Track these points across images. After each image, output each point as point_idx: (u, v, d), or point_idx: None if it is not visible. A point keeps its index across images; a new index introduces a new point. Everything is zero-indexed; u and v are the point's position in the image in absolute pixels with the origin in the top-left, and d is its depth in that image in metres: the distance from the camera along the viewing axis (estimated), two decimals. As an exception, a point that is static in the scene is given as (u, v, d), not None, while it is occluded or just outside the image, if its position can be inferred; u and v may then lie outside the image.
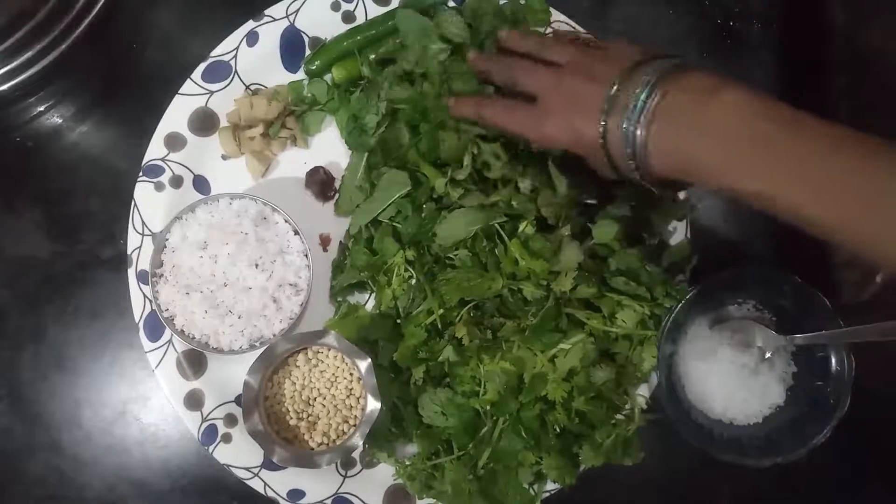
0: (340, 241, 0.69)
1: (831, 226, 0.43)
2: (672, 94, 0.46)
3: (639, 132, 0.47)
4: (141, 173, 0.67)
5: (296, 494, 0.65)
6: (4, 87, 0.66)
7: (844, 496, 0.69)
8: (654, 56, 0.50)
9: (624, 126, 0.48)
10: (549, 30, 0.69)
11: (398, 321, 0.65)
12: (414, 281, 0.64)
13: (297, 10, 0.69)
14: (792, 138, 0.43)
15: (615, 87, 0.48)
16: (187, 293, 0.63)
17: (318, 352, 0.65)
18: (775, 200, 0.44)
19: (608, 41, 0.56)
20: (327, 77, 0.69)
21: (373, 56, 0.68)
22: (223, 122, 0.69)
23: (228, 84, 0.68)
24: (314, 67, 0.68)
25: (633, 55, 0.50)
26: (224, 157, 0.69)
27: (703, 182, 0.47)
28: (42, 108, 0.71)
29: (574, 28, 0.71)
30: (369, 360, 0.61)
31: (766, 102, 0.45)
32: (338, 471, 0.66)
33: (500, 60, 0.60)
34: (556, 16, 0.70)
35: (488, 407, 0.62)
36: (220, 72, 0.68)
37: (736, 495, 0.69)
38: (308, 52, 0.70)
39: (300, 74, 0.70)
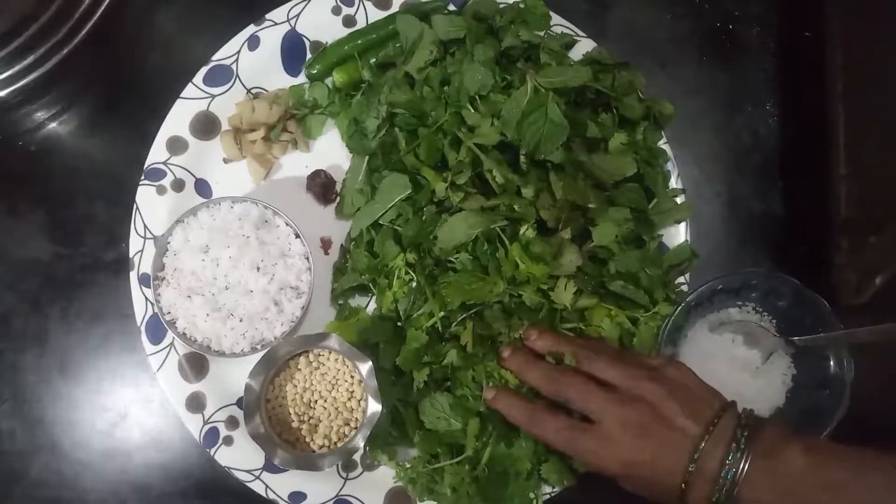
0: (341, 245, 0.69)
1: None
2: (756, 460, 0.49)
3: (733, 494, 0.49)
4: (143, 177, 0.67)
5: (297, 497, 0.65)
6: (7, 91, 0.66)
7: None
8: (723, 406, 0.53)
9: (716, 492, 0.49)
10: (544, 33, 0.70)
11: (399, 324, 0.65)
12: (415, 284, 0.65)
13: (299, 15, 0.69)
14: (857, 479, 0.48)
15: (702, 445, 0.50)
16: (189, 296, 0.64)
17: (320, 354, 0.65)
18: None
19: (654, 359, 0.58)
20: (328, 81, 0.70)
21: (373, 60, 0.68)
22: (225, 126, 0.69)
23: (230, 88, 0.69)
24: (315, 71, 0.69)
25: (707, 402, 0.53)
26: (225, 161, 0.69)
27: None
28: (45, 113, 0.71)
29: (573, 32, 0.71)
30: (370, 362, 0.62)
31: (830, 449, 0.50)
32: (339, 473, 0.67)
33: (541, 368, 0.59)
34: (556, 19, 0.70)
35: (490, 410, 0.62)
36: (221, 76, 0.68)
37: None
38: (309, 55, 0.70)
39: (301, 78, 0.70)
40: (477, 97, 0.64)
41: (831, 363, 0.64)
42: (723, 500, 0.49)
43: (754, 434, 0.50)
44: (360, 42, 0.69)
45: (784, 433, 0.51)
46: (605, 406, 0.54)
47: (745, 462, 0.49)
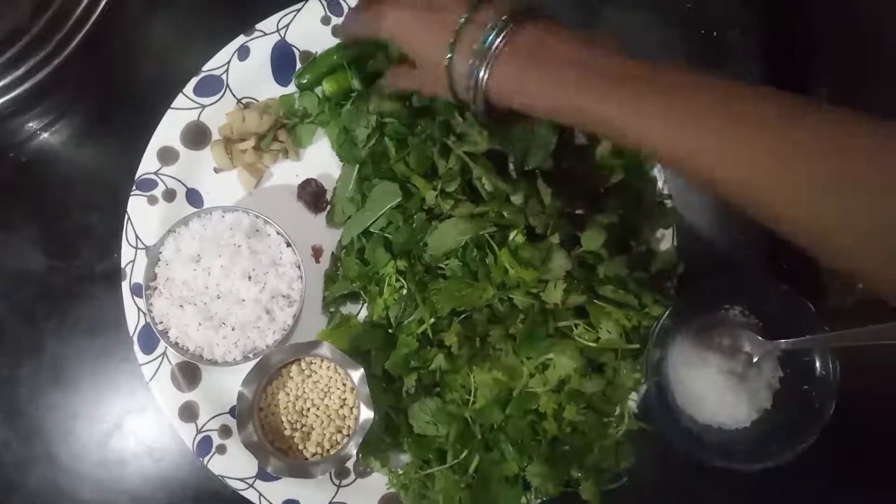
0: (332, 253, 0.70)
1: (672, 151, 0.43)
2: (520, 36, 0.48)
3: (482, 72, 0.48)
4: (134, 187, 0.68)
5: (291, 504, 0.66)
6: (-1, 102, 0.67)
7: (832, 499, 0.70)
8: None
9: (470, 62, 0.49)
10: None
11: (390, 331, 0.66)
12: (405, 291, 0.65)
13: (288, 25, 0.70)
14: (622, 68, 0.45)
15: (462, 21, 0.49)
16: (181, 306, 0.64)
17: (312, 362, 0.65)
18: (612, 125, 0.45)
19: None
20: (318, 90, 0.70)
21: (361, 72, 0.68)
22: (215, 136, 0.70)
23: (220, 98, 0.69)
24: (305, 81, 0.69)
25: None
26: (216, 171, 0.70)
27: (541, 112, 0.49)
28: (36, 124, 0.71)
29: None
30: (362, 370, 0.62)
31: (595, 45, 0.47)
32: (332, 480, 0.67)
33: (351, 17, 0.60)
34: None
35: (477, 416, 0.63)
36: (211, 86, 0.69)
37: (725, 499, 0.70)
38: (299, 65, 0.70)
39: (291, 88, 0.70)
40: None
41: (817, 365, 0.65)
42: (475, 74, 0.48)
43: (528, 15, 0.49)
44: (348, 51, 0.69)
45: (551, 23, 0.49)
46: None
47: (504, 37, 0.47)
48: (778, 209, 0.41)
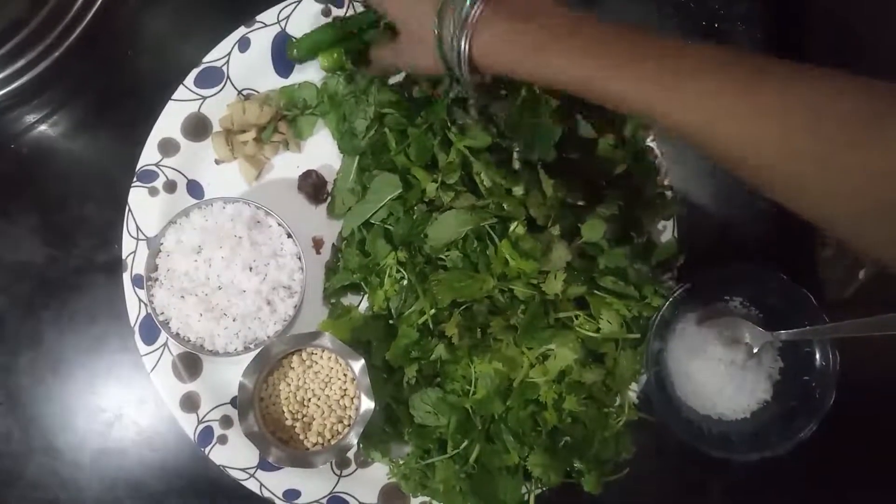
0: (333, 244, 0.70)
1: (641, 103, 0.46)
2: (496, 3, 0.51)
3: (463, 39, 0.52)
4: (135, 178, 0.68)
5: (292, 494, 0.66)
6: (-1, 94, 0.67)
7: (831, 488, 0.70)
8: None
9: (451, 30, 0.52)
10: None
11: (391, 322, 0.66)
12: (406, 282, 0.65)
13: (289, 17, 0.70)
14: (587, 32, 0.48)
15: None
16: (182, 297, 0.64)
17: (313, 353, 0.65)
18: (591, 83, 0.48)
19: None
20: (317, 81, 0.70)
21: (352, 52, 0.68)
22: (216, 127, 0.69)
23: (221, 89, 0.69)
24: (295, 53, 0.68)
25: None
26: (217, 162, 0.70)
27: (523, 75, 0.52)
28: (36, 116, 0.71)
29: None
30: (363, 360, 0.62)
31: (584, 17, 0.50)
32: (333, 470, 0.67)
33: None
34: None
35: (478, 406, 0.63)
36: (212, 77, 0.69)
37: (725, 489, 0.70)
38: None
39: (292, 79, 0.70)
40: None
41: (817, 356, 0.65)
42: (457, 42, 0.52)
43: None
44: (347, 24, 0.68)
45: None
46: None
47: (479, 5, 0.50)
48: (752, 162, 0.43)
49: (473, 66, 0.53)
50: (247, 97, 0.70)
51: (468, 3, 0.51)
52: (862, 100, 0.39)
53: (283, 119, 0.70)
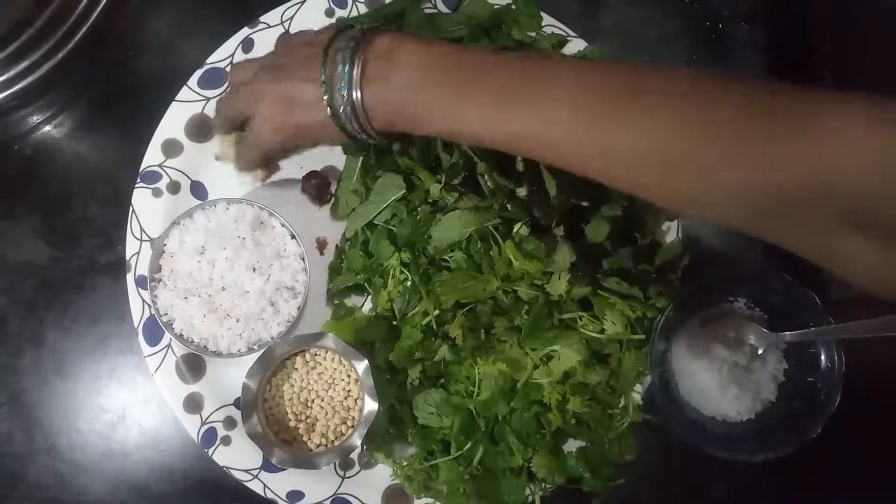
0: (337, 245, 0.70)
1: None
2: (369, 63, 0.52)
3: (355, 101, 0.53)
4: (138, 179, 0.68)
5: (295, 496, 0.66)
6: (2, 95, 0.66)
7: (835, 490, 0.70)
8: (337, 31, 0.55)
9: (343, 99, 0.53)
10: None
11: (394, 323, 0.66)
12: (409, 283, 0.65)
13: (292, 17, 0.70)
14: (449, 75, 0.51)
15: (325, 71, 0.53)
16: (186, 297, 0.64)
17: (316, 354, 0.65)
18: (462, 135, 0.52)
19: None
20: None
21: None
22: (219, 128, 0.69)
23: (224, 90, 0.69)
24: None
25: (319, 37, 0.56)
26: (220, 162, 0.70)
27: (420, 130, 0.54)
28: (40, 116, 0.71)
29: (565, 31, 0.72)
30: (366, 361, 0.62)
31: (433, 49, 0.52)
32: (336, 472, 0.67)
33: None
34: (547, 20, 0.71)
35: (481, 407, 0.63)
36: (216, 78, 0.69)
37: (730, 491, 0.70)
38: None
39: (295, 80, 0.70)
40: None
41: (822, 357, 0.65)
42: (349, 109, 0.53)
43: (368, 38, 0.53)
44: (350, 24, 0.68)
45: (401, 37, 0.53)
46: (244, 99, 0.61)
47: (357, 65, 0.52)
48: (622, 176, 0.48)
49: (374, 125, 0.54)
50: (250, 98, 0.70)
51: (346, 66, 0.52)
52: (736, 104, 0.42)
53: (287, 120, 0.70)
